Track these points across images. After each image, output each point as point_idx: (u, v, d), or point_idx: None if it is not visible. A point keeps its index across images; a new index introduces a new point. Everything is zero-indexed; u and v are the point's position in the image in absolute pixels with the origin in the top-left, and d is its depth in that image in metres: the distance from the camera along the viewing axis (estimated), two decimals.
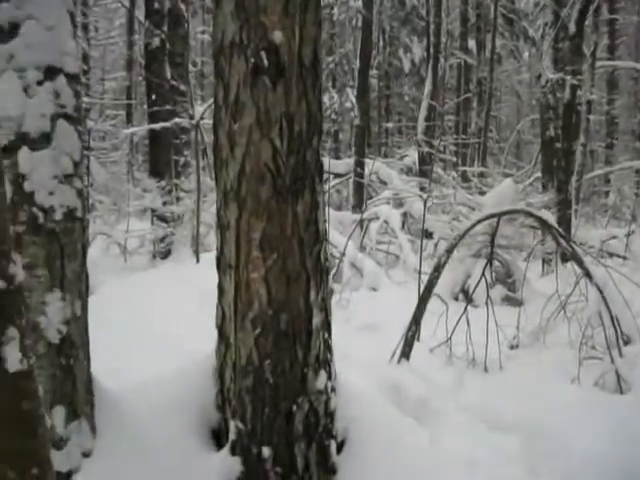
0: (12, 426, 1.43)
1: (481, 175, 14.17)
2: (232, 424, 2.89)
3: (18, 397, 1.42)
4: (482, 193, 11.37)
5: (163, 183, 10.57)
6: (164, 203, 10.50)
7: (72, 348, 2.69)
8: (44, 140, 2.58)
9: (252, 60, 2.65)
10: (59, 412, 2.67)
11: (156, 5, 10.99)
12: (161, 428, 2.93)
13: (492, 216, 5.62)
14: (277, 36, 2.65)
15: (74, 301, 2.69)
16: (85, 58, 19.00)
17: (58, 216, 2.61)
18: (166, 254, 10.43)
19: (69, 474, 2.65)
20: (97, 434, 2.81)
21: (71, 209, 2.66)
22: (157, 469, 2.77)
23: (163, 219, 10.56)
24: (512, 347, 5.69)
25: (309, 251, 2.78)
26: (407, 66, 20.75)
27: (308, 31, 2.72)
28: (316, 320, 2.84)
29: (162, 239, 10.44)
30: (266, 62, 2.64)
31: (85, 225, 2.75)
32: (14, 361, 1.42)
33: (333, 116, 20.27)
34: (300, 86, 2.70)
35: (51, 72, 2.61)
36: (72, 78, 2.69)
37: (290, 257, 2.74)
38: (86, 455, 2.73)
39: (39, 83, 2.58)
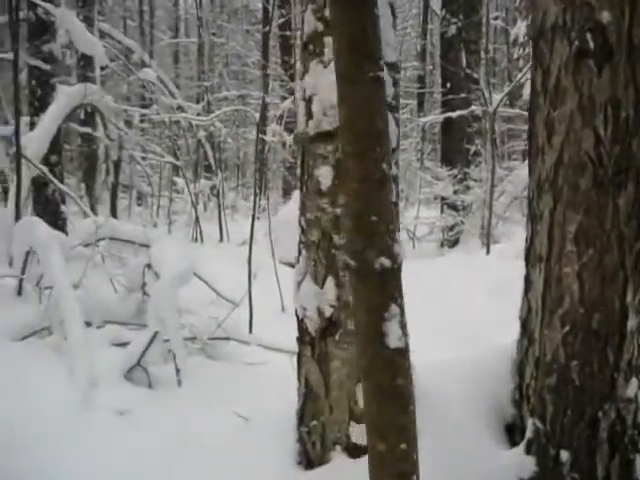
0: (386, 401, 1.49)
1: None
2: (530, 422, 2.78)
3: (394, 373, 1.48)
4: None
5: (455, 171, 10.60)
6: (455, 191, 10.52)
7: None
8: None
9: (576, 43, 2.50)
10: (359, 389, 2.80)
11: None
12: (455, 412, 2.94)
13: None
14: (604, 16, 2.47)
15: None
16: None
17: None
18: (454, 243, 10.47)
19: None
20: None
21: None
22: (450, 453, 2.77)
23: (453, 207, 10.59)
24: None
25: (629, 248, 2.56)
26: None
27: (639, 9, 2.50)
28: (631, 323, 2.62)
29: (451, 227, 10.49)
30: (592, 44, 2.48)
31: (398, 210, 2.82)
32: (394, 338, 1.47)
33: None
34: (628, 69, 2.48)
35: None
36: (392, 67, 2.76)
37: (608, 253, 2.55)
38: None
39: None
